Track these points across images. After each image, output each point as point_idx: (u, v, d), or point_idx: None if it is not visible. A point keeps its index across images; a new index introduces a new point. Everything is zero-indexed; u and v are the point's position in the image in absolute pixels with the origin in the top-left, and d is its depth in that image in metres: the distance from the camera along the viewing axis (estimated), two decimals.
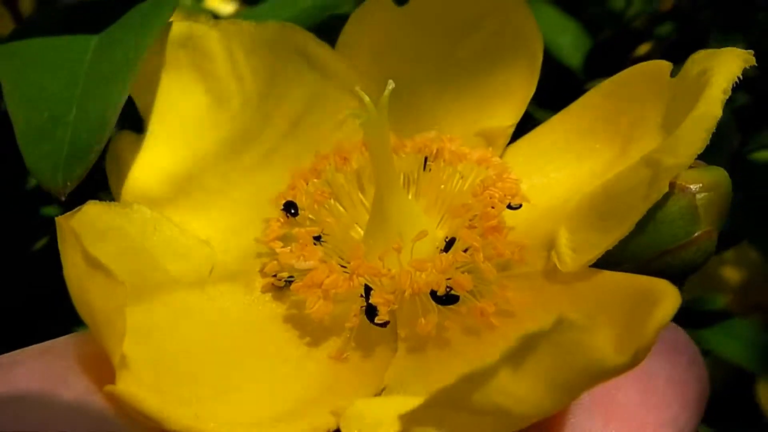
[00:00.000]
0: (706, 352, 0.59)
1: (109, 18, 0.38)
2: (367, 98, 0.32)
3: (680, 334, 0.32)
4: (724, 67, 0.29)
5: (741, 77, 0.29)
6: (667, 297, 0.25)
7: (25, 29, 0.39)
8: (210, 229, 0.35)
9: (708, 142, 0.28)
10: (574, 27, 0.64)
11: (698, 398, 0.31)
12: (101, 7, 0.39)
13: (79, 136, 0.33)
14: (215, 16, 0.39)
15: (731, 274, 0.84)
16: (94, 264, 0.27)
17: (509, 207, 0.34)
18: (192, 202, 0.36)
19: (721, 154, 0.48)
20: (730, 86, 0.29)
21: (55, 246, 0.29)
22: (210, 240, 0.35)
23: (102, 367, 0.27)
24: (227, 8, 0.81)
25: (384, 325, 0.32)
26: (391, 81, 0.32)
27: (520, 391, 0.23)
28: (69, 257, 0.27)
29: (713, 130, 0.28)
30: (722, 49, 0.31)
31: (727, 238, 0.57)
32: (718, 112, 0.28)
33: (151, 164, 0.36)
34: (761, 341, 0.61)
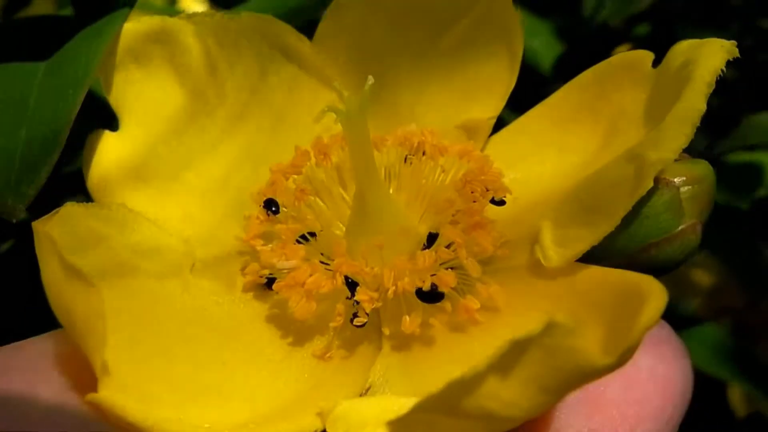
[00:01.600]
0: None
1: (60, 36, 0.37)
2: (346, 93, 0.32)
3: (664, 328, 0.32)
4: (708, 59, 0.29)
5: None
6: (654, 296, 0.25)
7: None
8: (190, 227, 0.35)
9: (692, 136, 0.28)
10: (545, 30, 0.64)
11: (681, 392, 0.31)
12: (54, 24, 0.38)
13: (29, 155, 0.32)
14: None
15: (701, 277, 0.84)
16: (72, 271, 0.26)
17: (492, 201, 0.33)
18: (171, 199, 0.36)
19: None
20: (714, 79, 0.29)
21: (22, 248, 0.28)
22: (189, 238, 0.34)
23: (79, 366, 0.27)
24: (200, 10, 0.79)
25: (362, 326, 0.31)
26: (370, 77, 0.32)
27: (509, 395, 0.23)
28: (46, 264, 0.27)
29: (697, 124, 0.28)
30: (705, 40, 0.30)
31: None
32: (702, 105, 0.28)
33: (129, 162, 0.36)
34: (729, 347, 0.61)
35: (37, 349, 0.28)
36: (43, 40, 0.37)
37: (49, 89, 0.34)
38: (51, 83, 0.35)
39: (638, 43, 0.67)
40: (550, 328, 0.21)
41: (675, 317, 0.63)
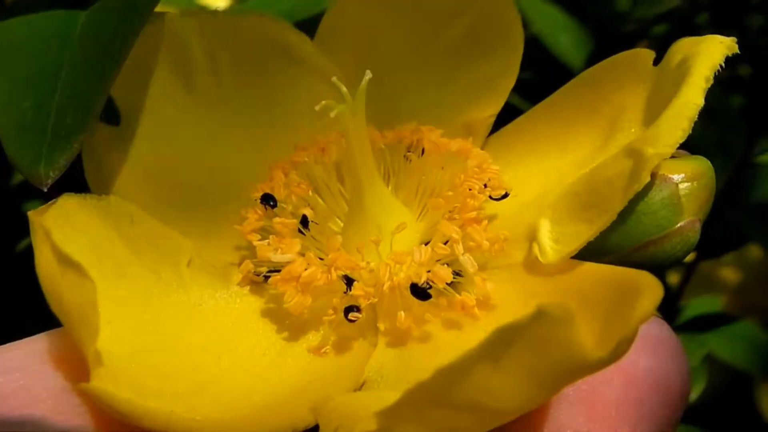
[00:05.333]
0: (706, 356, 0.59)
1: None
2: (344, 88, 0.32)
3: (663, 327, 0.31)
4: (706, 54, 0.29)
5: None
6: (649, 290, 0.25)
7: (8, 10, 0.37)
8: (188, 223, 0.35)
9: (690, 131, 0.28)
10: (574, 26, 0.63)
11: (680, 392, 0.30)
12: None
13: (63, 124, 0.32)
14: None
15: (728, 275, 0.84)
16: (65, 260, 0.26)
17: (491, 198, 0.33)
18: (169, 195, 0.36)
19: (729, 155, 0.48)
20: (713, 74, 0.29)
21: None
22: (188, 233, 0.35)
23: (76, 365, 0.27)
24: (221, 3, 0.79)
25: (355, 321, 0.31)
26: (368, 71, 0.32)
27: (498, 386, 0.23)
28: (40, 253, 0.27)
29: (695, 118, 0.28)
30: (705, 36, 0.30)
31: (729, 241, 0.58)
32: (699, 100, 0.28)
33: (128, 159, 0.36)
34: (761, 343, 0.61)
35: (33, 348, 0.28)
36: (75, 3, 0.36)
37: (86, 55, 0.33)
38: (88, 48, 0.34)
39: (656, 43, 0.67)
40: (538, 316, 0.21)
41: (706, 316, 0.63)
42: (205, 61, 0.37)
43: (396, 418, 0.23)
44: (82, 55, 0.34)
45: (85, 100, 0.32)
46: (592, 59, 0.62)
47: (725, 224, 0.57)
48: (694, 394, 0.61)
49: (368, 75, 0.32)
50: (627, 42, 0.66)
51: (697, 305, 0.68)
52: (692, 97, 0.28)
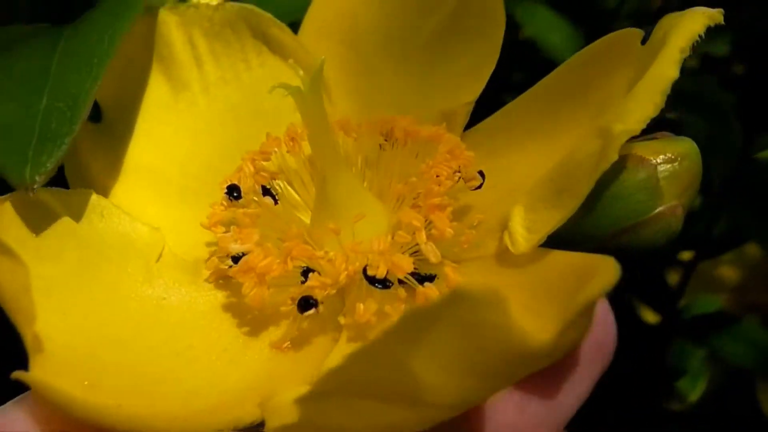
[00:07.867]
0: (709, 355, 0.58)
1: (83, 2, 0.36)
2: (301, 71, 0.31)
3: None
4: (685, 26, 0.27)
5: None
6: (601, 273, 0.23)
7: None
8: (163, 218, 0.34)
9: (662, 105, 0.26)
10: (565, 25, 0.62)
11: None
12: None
13: (48, 127, 0.31)
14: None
15: (728, 273, 0.81)
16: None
17: (465, 184, 0.31)
18: (147, 190, 0.35)
19: (727, 153, 0.46)
20: (689, 45, 0.26)
21: None
22: (164, 229, 0.34)
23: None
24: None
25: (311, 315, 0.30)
26: (323, 57, 0.31)
27: (426, 374, 0.21)
28: None
29: (668, 92, 0.26)
30: (688, 9, 0.28)
31: (728, 239, 0.56)
32: (673, 72, 0.26)
33: (108, 155, 0.35)
34: (763, 342, 0.60)
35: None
36: (62, 6, 0.36)
37: (73, 57, 0.33)
38: (74, 50, 0.33)
39: None
40: (452, 298, 0.19)
41: (710, 316, 0.63)
42: (187, 55, 0.37)
43: (314, 409, 0.22)
44: (71, 53, 0.33)
45: (73, 100, 0.32)
46: None
47: (724, 223, 0.56)
48: (695, 395, 0.61)
49: (322, 59, 0.31)
50: None
51: (697, 305, 0.67)
52: (665, 70, 0.26)
